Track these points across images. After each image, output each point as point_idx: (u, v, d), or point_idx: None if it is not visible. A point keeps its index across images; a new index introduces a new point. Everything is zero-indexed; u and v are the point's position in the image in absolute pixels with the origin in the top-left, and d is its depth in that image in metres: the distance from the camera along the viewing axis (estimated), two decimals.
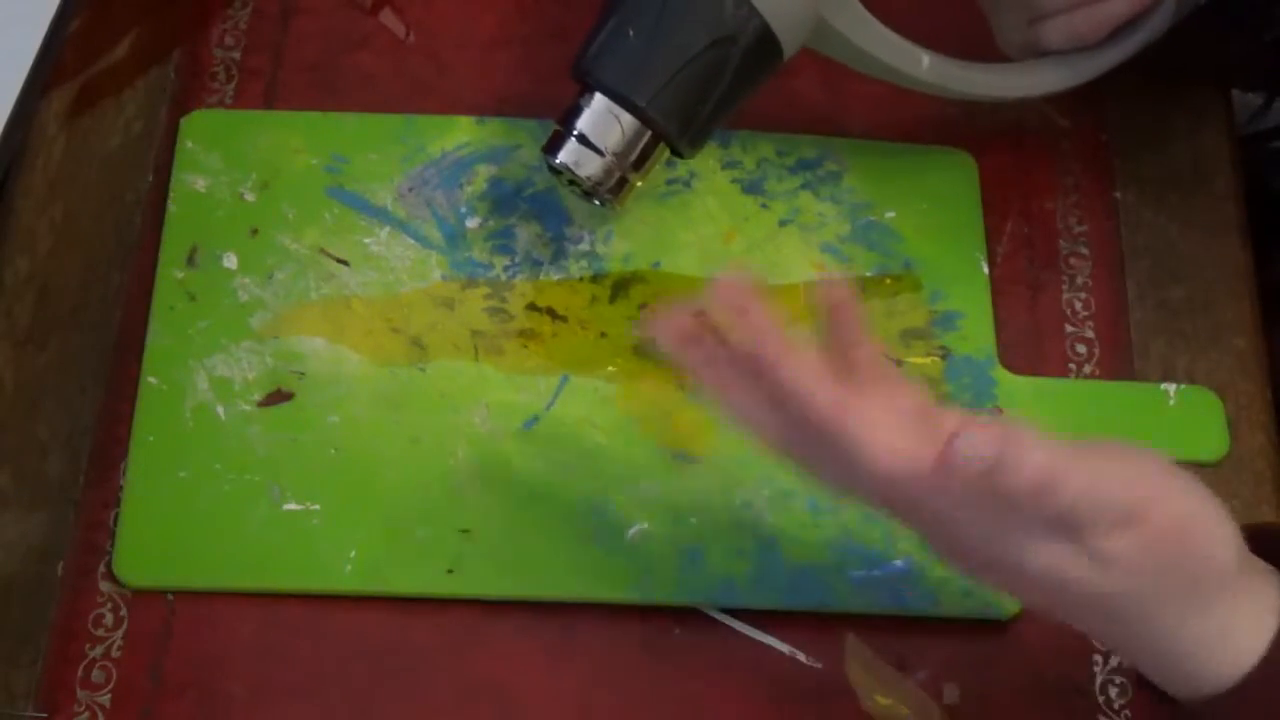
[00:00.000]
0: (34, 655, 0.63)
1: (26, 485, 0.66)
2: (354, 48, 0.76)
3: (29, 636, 0.63)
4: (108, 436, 0.67)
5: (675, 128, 0.65)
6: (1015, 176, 0.75)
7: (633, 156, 0.65)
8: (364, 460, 0.66)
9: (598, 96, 0.64)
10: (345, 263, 0.70)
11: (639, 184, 0.66)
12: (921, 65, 0.67)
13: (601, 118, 0.65)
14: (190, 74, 0.75)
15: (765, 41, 0.64)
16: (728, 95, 0.65)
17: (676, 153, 0.66)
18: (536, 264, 0.71)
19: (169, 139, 0.73)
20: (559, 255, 0.71)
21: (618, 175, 0.65)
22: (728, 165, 0.73)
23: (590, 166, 0.65)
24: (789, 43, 0.64)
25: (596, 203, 0.67)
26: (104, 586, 0.64)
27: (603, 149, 0.65)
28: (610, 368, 0.69)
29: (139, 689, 0.62)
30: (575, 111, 0.65)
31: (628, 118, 0.64)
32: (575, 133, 0.65)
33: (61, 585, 0.64)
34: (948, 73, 0.68)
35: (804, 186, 0.73)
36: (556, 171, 0.66)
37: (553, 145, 0.66)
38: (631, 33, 0.63)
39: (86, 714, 0.62)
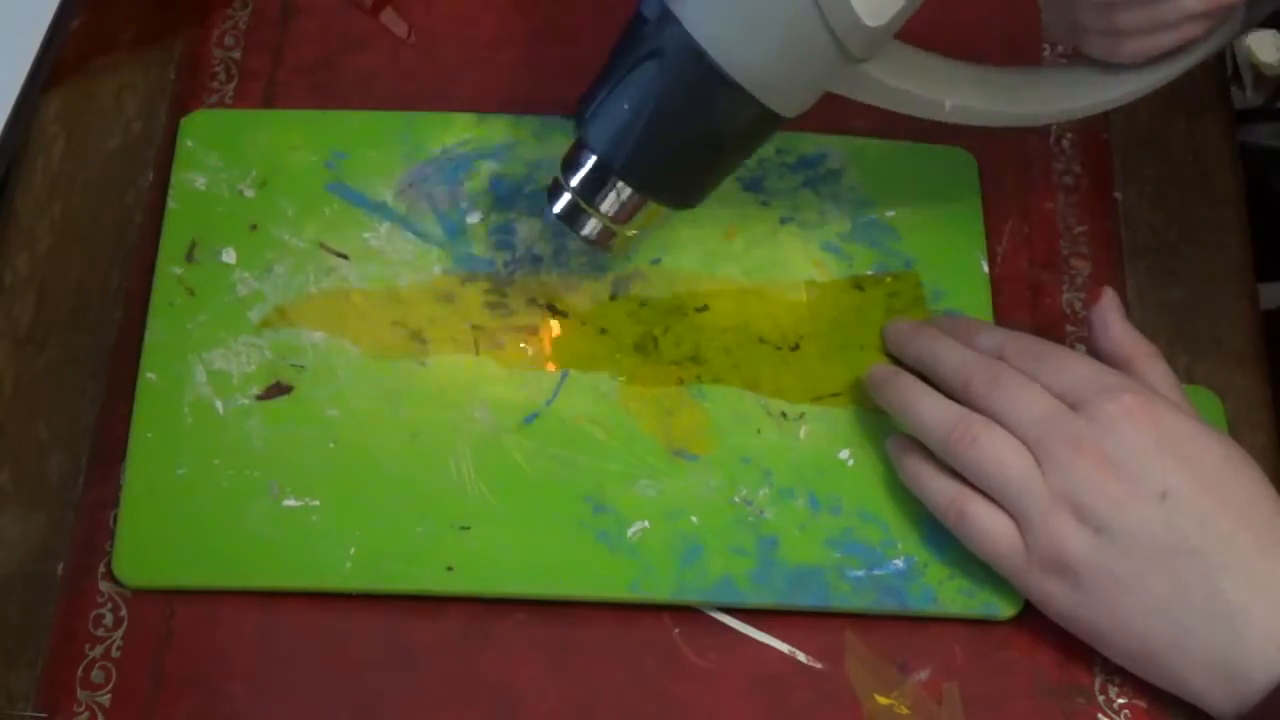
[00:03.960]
0: (34, 655, 0.63)
1: (26, 485, 0.66)
2: (354, 48, 0.76)
3: (29, 636, 0.63)
4: (108, 436, 0.67)
5: (671, 198, 0.65)
6: (1015, 176, 0.75)
7: (627, 217, 0.65)
8: (363, 454, 0.66)
9: (594, 159, 0.64)
10: (345, 257, 0.70)
11: (632, 233, 0.66)
12: (944, 110, 0.65)
13: (596, 179, 0.64)
14: (190, 74, 0.75)
15: (764, 118, 0.62)
16: (728, 163, 0.65)
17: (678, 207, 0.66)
18: (537, 260, 0.71)
19: (169, 139, 0.73)
20: (560, 251, 0.71)
21: (612, 231, 0.65)
22: None
23: (587, 226, 0.65)
24: (792, 112, 0.63)
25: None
26: (104, 586, 0.64)
27: (596, 209, 0.65)
28: (611, 364, 0.69)
29: (139, 689, 0.62)
30: (574, 165, 0.64)
31: (624, 187, 0.64)
32: (572, 187, 0.65)
33: (61, 585, 0.64)
34: (973, 111, 0.66)
35: (804, 184, 0.73)
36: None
37: (551, 196, 0.66)
38: (627, 107, 0.62)
39: (86, 714, 0.62)
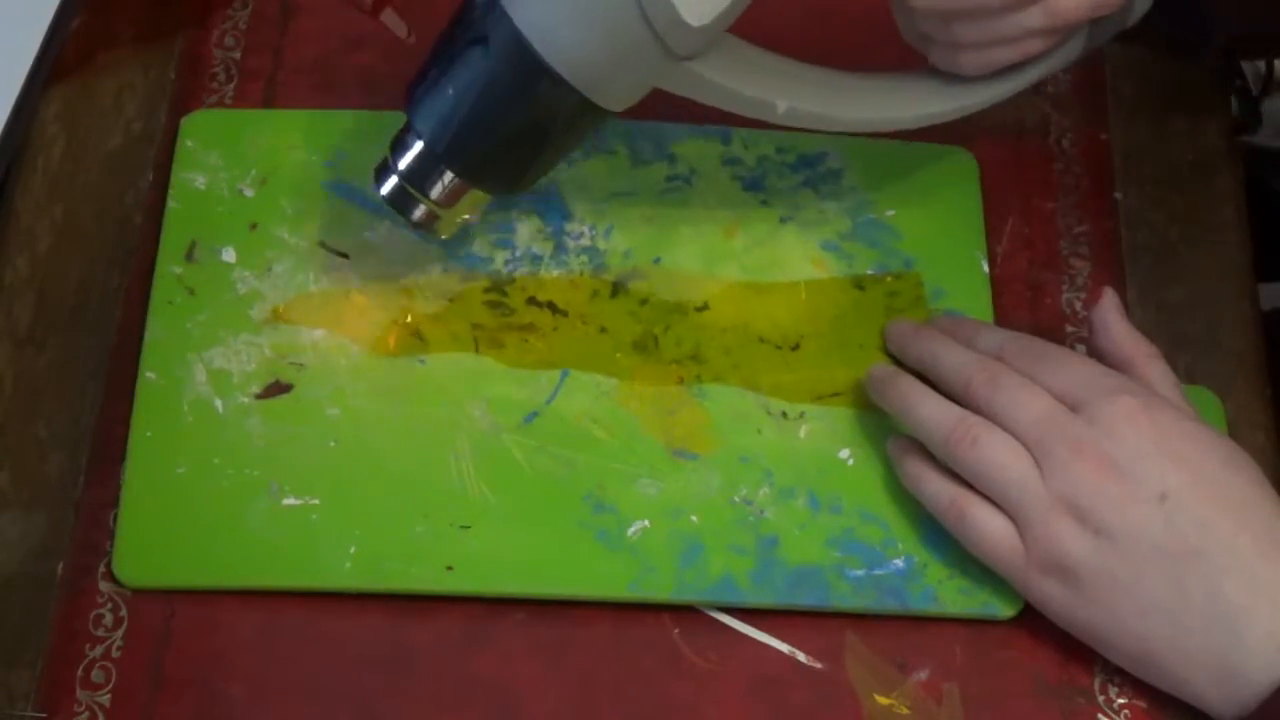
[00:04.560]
0: (34, 655, 0.63)
1: (26, 485, 0.66)
2: (354, 48, 0.76)
3: (29, 636, 0.63)
4: (108, 436, 0.67)
5: (494, 185, 0.65)
6: (1015, 176, 0.75)
7: (452, 201, 0.65)
8: (363, 453, 0.66)
9: (419, 143, 0.64)
10: (345, 255, 0.70)
11: (461, 218, 0.66)
12: (777, 112, 0.65)
13: (423, 165, 0.64)
14: (190, 74, 0.75)
15: (587, 109, 0.62)
16: (553, 154, 0.65)
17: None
18: (537, 258, 0.71)
19: (169, 139, 0.73)
20: (559, 250, 0.71)
21: (437, 214, 0.66)
22: (728, 162, 0.73)
23: (415, 211, 0.65)
24: (616, 105, 0.62)
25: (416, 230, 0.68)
26: (104, 586, 0.64)
27: (423, 193, 0.65)
28: (611, 363, 0.69)
29: (139, 689, 0.62)
30: (400, 148, 0.65)
31: (449, 173, 0.64)
32: (399, 170, 0.65)
33: (61, 585, 0.64)
34: (806, 114, 0.66)
35: (804, 184, 0.73)
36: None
37: (379, 177, 0.66)
38: (452, 92, 0.62)
39: (86, 714, 0.62)
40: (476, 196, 0.65)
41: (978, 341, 0.66)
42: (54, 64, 0.73)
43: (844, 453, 0.67)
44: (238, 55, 0.76)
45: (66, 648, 0.63)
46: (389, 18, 0.76)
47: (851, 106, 0.67)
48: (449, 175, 0.64)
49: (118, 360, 0.68)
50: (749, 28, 0.63)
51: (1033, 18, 0.62)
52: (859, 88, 0.67)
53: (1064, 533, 0.61)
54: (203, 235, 0.70)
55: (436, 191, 0.65)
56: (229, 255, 0.70)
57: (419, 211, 0.66)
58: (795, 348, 0.70)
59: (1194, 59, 0.75)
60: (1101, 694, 0.64)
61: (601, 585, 0.64)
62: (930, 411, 0.64)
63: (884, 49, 0.69)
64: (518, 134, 0.63)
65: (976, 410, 0.63)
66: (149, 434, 0.66)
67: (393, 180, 0.65)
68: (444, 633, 0.64)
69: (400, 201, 0.66)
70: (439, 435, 0.66)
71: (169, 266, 0.70)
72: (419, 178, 0.65)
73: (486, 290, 0.70)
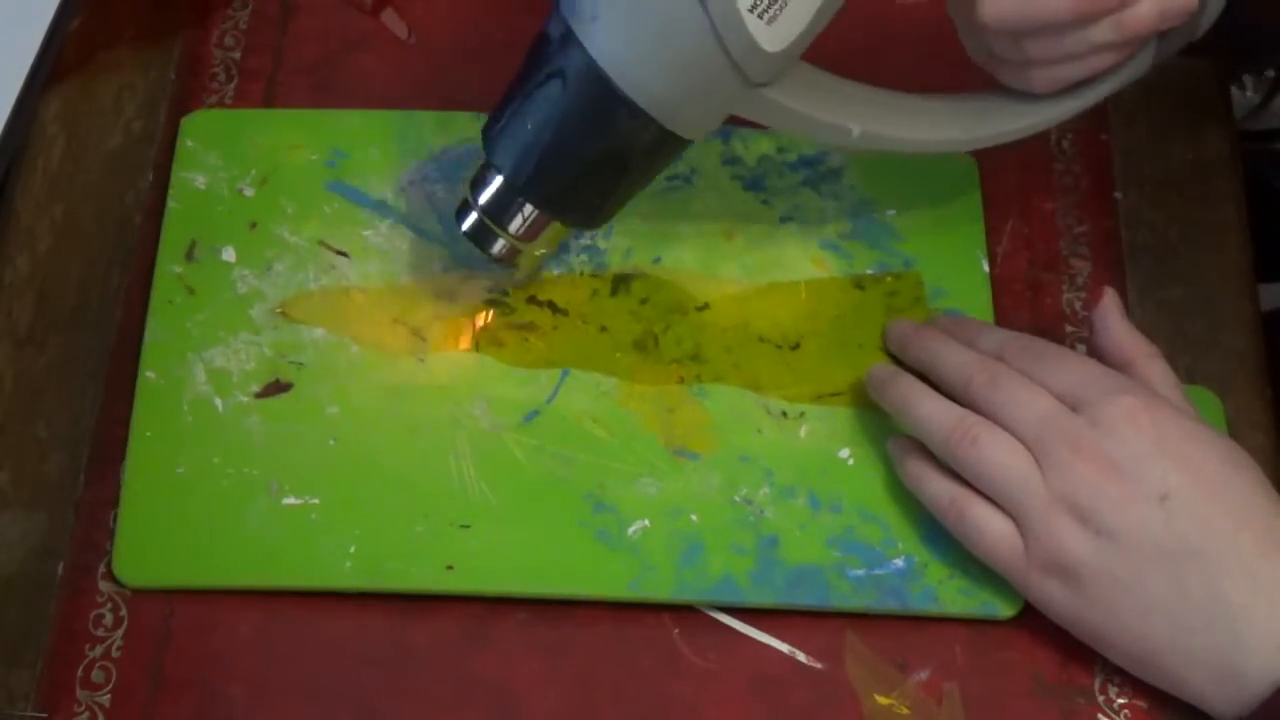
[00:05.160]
0: (34, 655, 0.63)
1: (26, 485, 0.66)
2: (354, 48, 0.76)
3: (29, 636, 0.63)
4: (108, 436, 0.67)
5: (575, 218, 0.65)
6: (1015, 176, 0.75)
7: (533, 235, 0.65)
8: (363, 452, 0.66)
9: (499, 178, 0.64)
10: (345, 254, 0.70)
11: (540, 252, 0.67)
12: (851, 136, 0.65)
13: (502, 198, 0.64)
14: (190, 74, 0.75)
15: (666, 138, 0.62)
16: (632, 183, 0.65)
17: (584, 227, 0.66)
18: None
19: (169, 139, 0.73)
20: (560, 249, 0.71)
21: (518, 249, 0.66)
22: (728, 162, 0.73)
23: (495, 246, 0.66)
24: (695, 134, 0.63)
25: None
26: (104, 586, 0.64)
27: (504, 228, 0.65)
28: (611, 362, 0.69)
29: (139, 689, 0.62)
30: (481, 184, 0.65)
31: (529, 206, 0.64)
32: (479, 205, 0.65)
33: (61, 585, 0.64)
34: (880, 137, 0.66)
35: (805, 183, 0.73)
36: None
37: (460, 215, 0.66)
38: (530, 126, 0.62)
39: (86, 714, 0.62)
40: (556, 230, 0.65)
41: (978, 341, 0.66)
42: (54, 64, 0.73)
43: (844, 452, 0.67)
44: (238, 55, 0.76)
45: (66, 648, 0.63)
46: (389, 18, 0.76)
47: (924, 128, 0.67)
48: (529, 208, 0.64)
49: (118, 360, 0.68)
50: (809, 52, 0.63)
51: (1102, 32, 0.62)
52: (929, 109, 0.67)
53: (1064, 533, 0.61)
54: (203, 235, 0.70)
55: (516, 225, 0.65)
56: (229, 255, 0.70)
57: (499, 246, 0.66)
58: (795, 347, 0.70)
59: (1241, 74, 0.74)
60: (1101, 694, 0.64)
61: (601, 584, 0.64)
62: (930, 411, 0.64)
63: (937, 68, 0.69)
64: (596, 165, 0.63)
65: (977, 410, 0.63)
66: (149, 434, 0.66)
67: (473, 216, 0.65)
68: (444, 633, 0.64)
69: (481, 236, 0.66)
70: (439, 434, 0.66)
71: (169, 266, 0.70)
72: (499, 212, 0.65)
73: (487, 289, 0.70)
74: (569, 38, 0.60)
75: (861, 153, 0.73)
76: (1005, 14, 0.62)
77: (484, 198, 0.65)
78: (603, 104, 0.60)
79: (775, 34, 0.59)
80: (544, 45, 0.61)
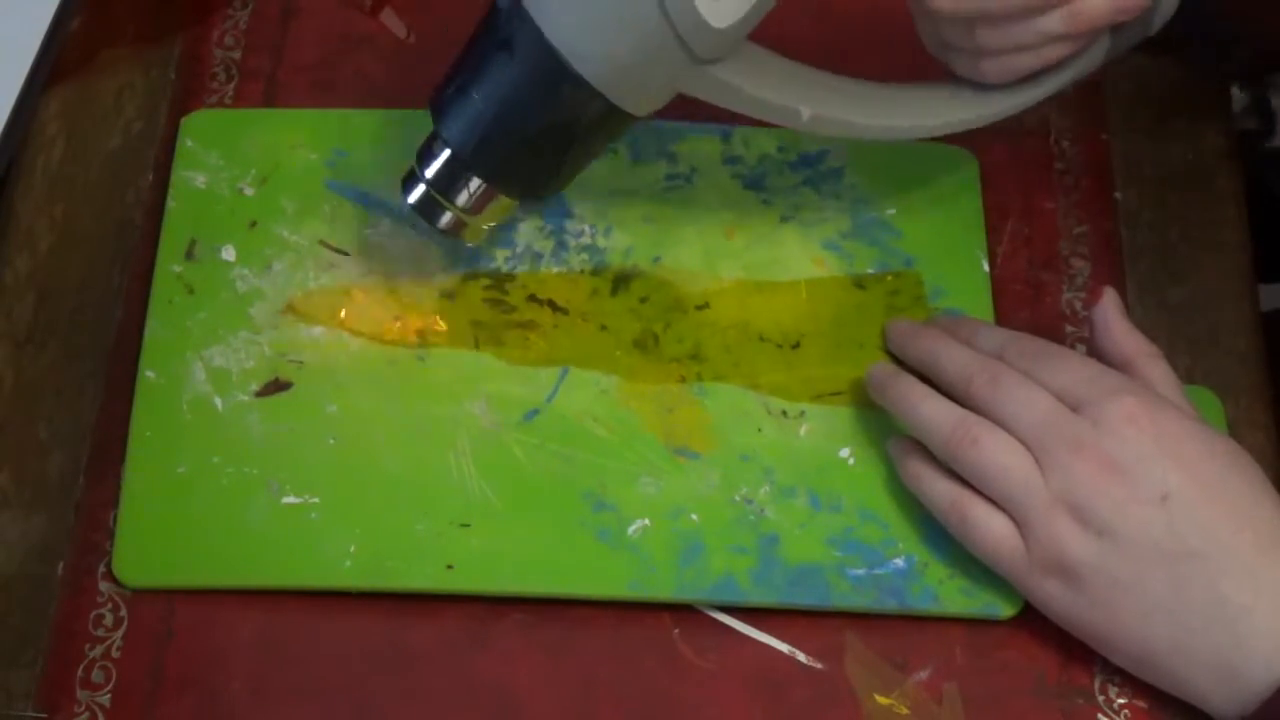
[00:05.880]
0: (34, 655, 0.63)
1: (26, 485, 0.66)
2: (354, 48, 0.76)
3: (29, 636, 0.63)
4: (108, 436, 0.67)
5: (520, 190, 0.65)
6: (1015, 176, 0.75)
7: (479, 208, 0.65)
8: (363, 451, 0.66)
9: (446, 150, 0.64)
10: (345, 253, 0.70)
11: (487, 225, 0.67)
12: (801, 119, 0.65)
13: (450, 171, 0.64)
14: (190, 74, 0.75)
15: (612, 113, 0.62)
16: (579, 158, 0.65)
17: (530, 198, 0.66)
18: (537, 256, 0.71)
19: (169, 139, 0.73)
20: (560, 248, 0.71)
21: (464, 221, 0.66)
22: (728, 161, 0.73)
23: (442, 219, 0.65)
24: (641, 109, 0.62)
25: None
26: (104, 586, 0.64)
27: (450, 200, 0.65)
28: (611, 361, 0.69)
29: (139, 689, 0.62)
30: (427, 156, 0.65)
31: (475, 180, 0.64)
32: (426, 178, 0.65)
33: (61, 585, 0.64)
34: (830, 121, 0.65)
35: (805, 183, 0.73)
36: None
37: (406, 186, 0.66)
38: (478, 97, 0.62)
39: (86, 714, 0.62)
40: (503, 203, 0.65)
41: (978, 341, 0.66)
42: (54, 64, 0.73)
43: (844, 452, 0.67)
44: (238, 55, 0.76)
45: (66, 648, 0.63)
46: (389, 18, 0.76)
47: (875, 114, 0.67)
48: (475, 181, 0.64)
49: (118, 360, 0.68)
50: (761, 34, 0.63)
51: (1054, 23, 0.62)
52: (881, 96, 0.67)
53: (1065, 533, 0.61)
54: (203, 234, 0.70)
55: (463, 198, 0.65)
56: (229, 254, 0.70)
57: (446, 219, 0.66)
58: (796, 346, 0.70)
59: (1212, 70, 0.74)
60: (1101, 694, 0.64)
61: (601, 584, 0.64)
62: (931, 411, 0.64)
63: (895, 57, 0.69)
64: (543, 138, 0.63)
65: (977, 410, 0.63)
66: (149, 433, 0.66)
67: (420, 188, 0.65)
68: (444, 632, 0.64)
69: (428, 209, 0.66)
70: (439, 433, 0.66)
71: (169, 265, 0.70)
72: (446, 184, 0.65)
73: (487, 288, 0.70)
74: (518, 9, 0.60)
75: (862, 148, 0.74)
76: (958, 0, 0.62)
77: (431, 171, 0.65)
78: (549, 77, 0.60)
79: (722, 10, 0.59)
80: (493, 16, 0.61)
